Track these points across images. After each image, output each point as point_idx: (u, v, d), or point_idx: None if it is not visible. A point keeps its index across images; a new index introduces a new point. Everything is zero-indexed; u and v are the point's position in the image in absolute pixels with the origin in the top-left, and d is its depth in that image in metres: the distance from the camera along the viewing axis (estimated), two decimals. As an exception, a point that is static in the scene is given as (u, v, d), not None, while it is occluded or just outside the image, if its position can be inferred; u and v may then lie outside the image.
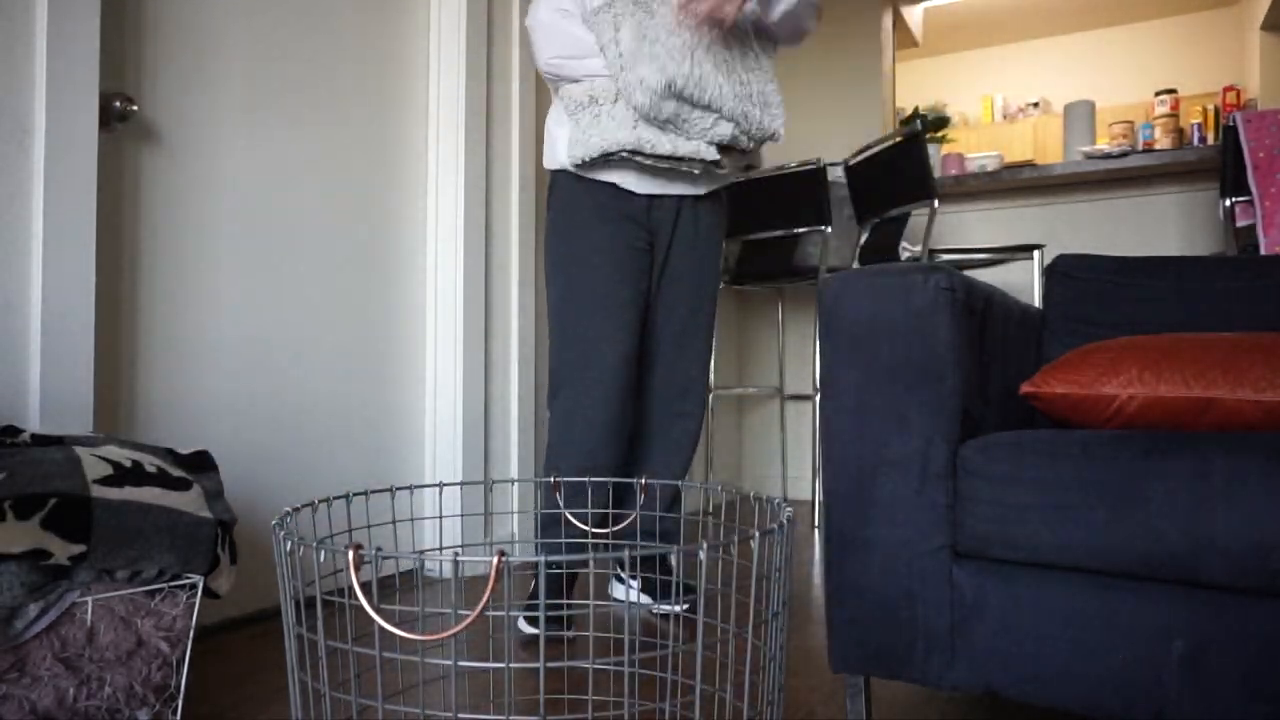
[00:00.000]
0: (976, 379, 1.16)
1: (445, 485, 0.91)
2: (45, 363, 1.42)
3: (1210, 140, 4.47)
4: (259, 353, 1.89)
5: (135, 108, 1.60)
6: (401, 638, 0.61)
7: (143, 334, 1.68)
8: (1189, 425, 1.08)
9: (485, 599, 0.58)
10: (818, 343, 1.15)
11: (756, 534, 0.71)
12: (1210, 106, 4.73)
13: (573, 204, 1.80)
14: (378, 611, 0.59)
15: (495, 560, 0.58)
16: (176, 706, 1.15)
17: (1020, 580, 1.02)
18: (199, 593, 1.18)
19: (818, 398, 2.18)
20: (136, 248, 1.67)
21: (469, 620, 0.59)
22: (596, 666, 0.67)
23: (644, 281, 1.83)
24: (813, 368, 3.33)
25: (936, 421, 1.07)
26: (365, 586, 0.61)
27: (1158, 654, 0.93)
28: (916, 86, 6.89)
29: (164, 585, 1.16)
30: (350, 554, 0.60)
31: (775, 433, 3.73)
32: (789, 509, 0.77)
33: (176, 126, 1.74)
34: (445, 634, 0.59)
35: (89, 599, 1.07)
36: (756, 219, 2.92)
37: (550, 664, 0.63)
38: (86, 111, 1.48)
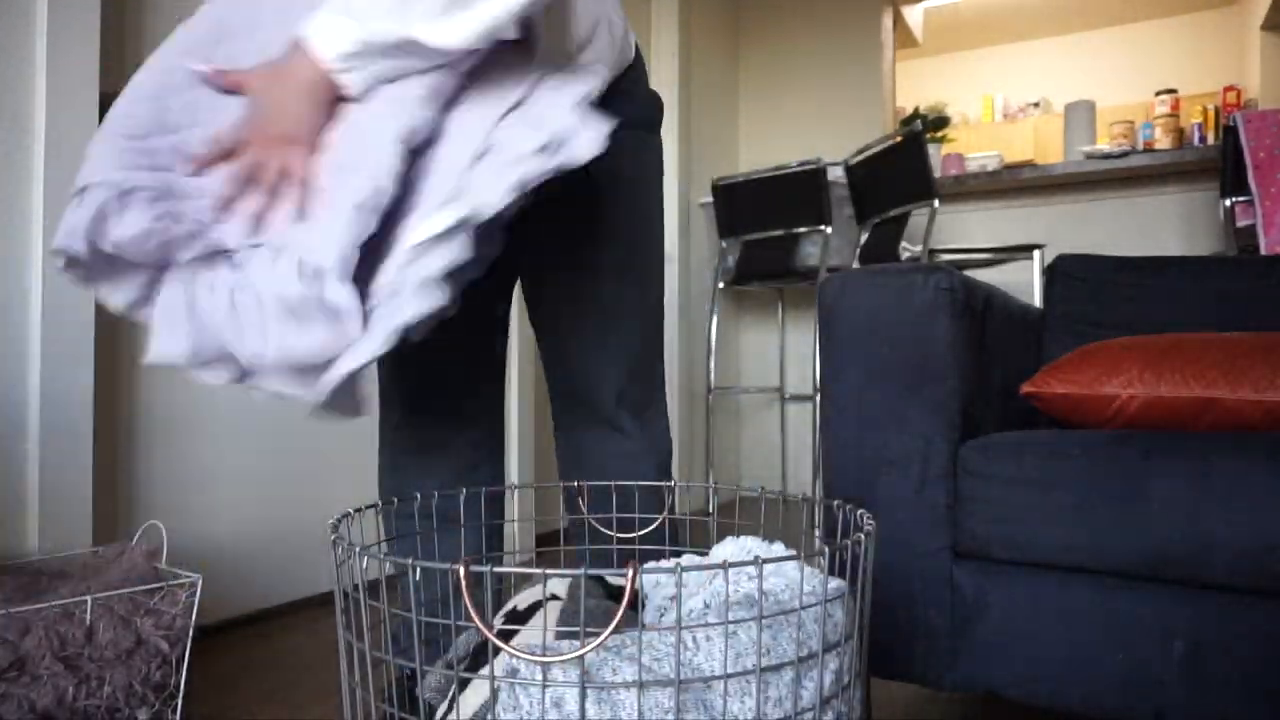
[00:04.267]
0: (976, 379, 1.15)
1: (518, 487, 0.89)
2: (45, 363, 1.42)
3: (1210, 140, 4.46)
4: (259, 352, 1.88)
5: (135, 107, 1.60)
6: (527, 659, 0.53)
7: (142, 333, 1.68)
8: (1189, 425, 1.08)
9: (619, 615, 0.51)
10: (818, 343, 1.14)
11: (846, 546, 0.63)
12: (1210, 106, 4.72)
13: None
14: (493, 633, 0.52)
15: (630, 573, 0.51)
16: (176, 705, 1.15)
17: (1020, 580, 1.02)
18: (198, 592, 1.18)
19: (818, 398, 2.18)
20: (136, 247, 1.67)
21: (604, 637, 0.52)
22: (731, 675, 0.59)
23: None
24: (813, 368, 3.32)
25: (936, 421, 1.07)
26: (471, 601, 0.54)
27: (1158, 654, 0.93)
28: (916, 86, 6.88)
29: (163, 585, 1.16)
30: (461, 570, 0.51)
31: (775, 433, 3.73)
32: (870, 519, 0.69)
33: (176, 126, 1.73)
34: (573, 654, 0.52)
35: (89, 598, 1.07)
36: (756, 219, 2.91)
37: (684, 680, 0.57)
38: (86, 111, 1.47)
